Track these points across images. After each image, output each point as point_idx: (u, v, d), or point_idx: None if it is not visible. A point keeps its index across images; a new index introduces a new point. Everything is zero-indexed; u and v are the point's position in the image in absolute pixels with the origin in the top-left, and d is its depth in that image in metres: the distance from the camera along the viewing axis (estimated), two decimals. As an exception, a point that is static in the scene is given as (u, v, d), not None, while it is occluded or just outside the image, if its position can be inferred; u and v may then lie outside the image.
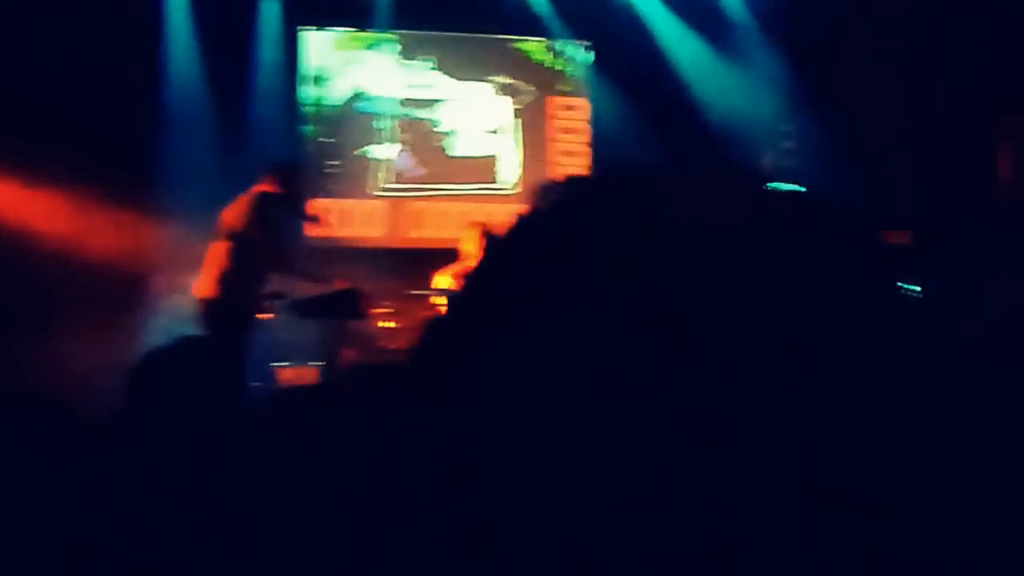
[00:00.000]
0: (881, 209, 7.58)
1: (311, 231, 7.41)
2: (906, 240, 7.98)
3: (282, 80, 7.98)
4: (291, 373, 6.45)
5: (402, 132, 8.26)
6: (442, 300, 6.23)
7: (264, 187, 5.89)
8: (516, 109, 8.46)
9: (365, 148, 8.20)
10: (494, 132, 8.44)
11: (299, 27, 8.13)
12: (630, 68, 8.39)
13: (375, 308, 6.40)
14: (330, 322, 6.06)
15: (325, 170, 8.04)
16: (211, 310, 5.63)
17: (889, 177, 7.57)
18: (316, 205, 7.81)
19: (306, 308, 5.83)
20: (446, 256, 6.77)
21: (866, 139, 7.71)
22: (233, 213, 5.77)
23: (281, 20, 8.00)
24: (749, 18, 8.36)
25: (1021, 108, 7.47)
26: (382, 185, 8.20)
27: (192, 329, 5.41)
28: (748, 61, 8.35)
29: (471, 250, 6.40)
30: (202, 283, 5.76)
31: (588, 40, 8.55)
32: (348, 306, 6.02)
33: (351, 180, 8.11)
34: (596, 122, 8.53)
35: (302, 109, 8.15)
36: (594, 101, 8.56)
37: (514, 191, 8.37)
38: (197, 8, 7.71)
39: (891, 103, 7.71)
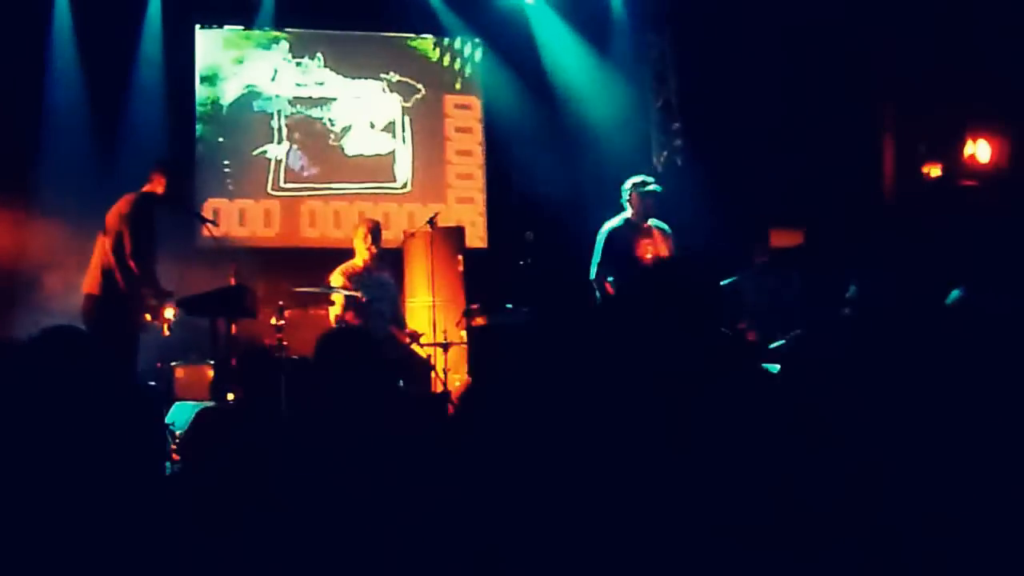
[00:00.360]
0: (772, 208, 7.87)
1: (205, 231, 7.33)
2: (799, 239, 8.30)
3: (173, 79, 7.83)
4: (183, 372, 6.36)
5: (295, 131, 8.22)
6: (338, 298, 6.25)
7: (151, 187, 5.85)
8: (407, 107, 8.47)
9: (258, 148, 8.13)
10: (387, 130, 8.44)
11: (191, 25, 7.99)
12: (522, 66, 8.48)
13: (266, 306, 6.35)
14: (220, 320, 6.00)
15: (218, 170, 7.95)
16: (95, 306, 5.63)
17: (778, 175, 7.85)
18: (209, 205, 7.81)
19: (195, 306, 5.76)
20: (340, 255, 6.80)
21: (753, 137, 7.95)
22: (114, 212, 5.72)
23: (170, 19, 7.82)
24: (633, 18, 8.52)
25: (902, 101, 7.76)
26: (277, 184, 8.13)
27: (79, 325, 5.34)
28: (632, 60, 8.51)
29: (360, 247, 6.43)
30: (87, 280, 5.77)
31: (480, 38, 8.61)
32: (237, 304, 5.99)
33: (245, 180, 8.03)
34: (489, 120, 8.61)
35: (196, 109, 8.03)
36: (486, 99, 8.63)
37: (408, 190, 8.40)
38: (81, 8, 7.53)
39: (777, 99, 7.96)
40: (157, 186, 5.90)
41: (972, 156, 7.21)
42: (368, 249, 6.45)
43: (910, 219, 7.13)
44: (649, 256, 6.32)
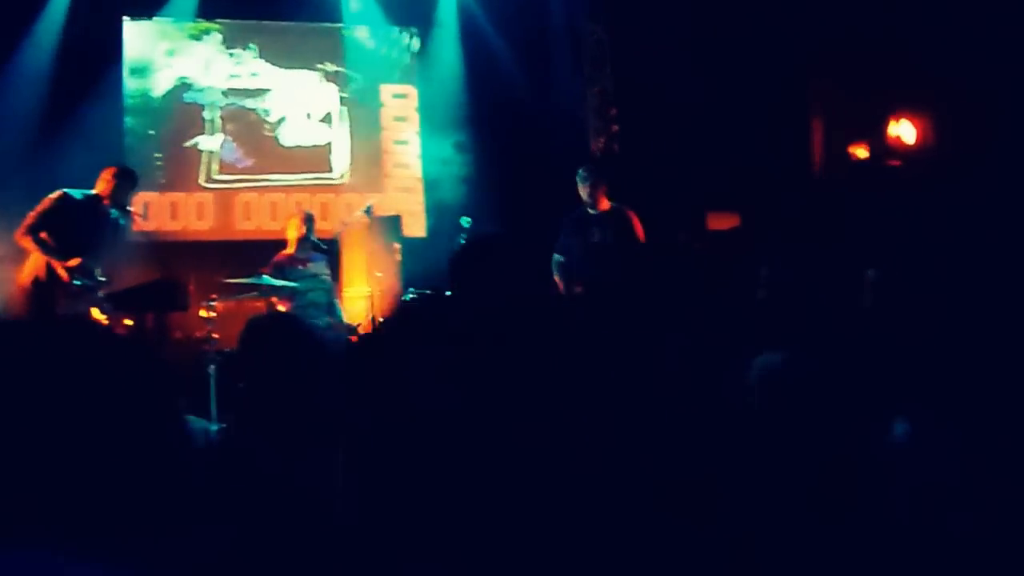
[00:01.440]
0: (708, 191, 7.89)
1: (137, 226, 7.20)
2: (736, 222, 8.33)
3: (103, 72, 7.64)
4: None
5: (229, 123, 8.05)
6: (267, 286, 6.14)
7: (98, 187, 5.79)
8: (344, 97, 8.35)
9: (191, 140, 7.96)
10: (323, 121, 8.31)
11: (119, 16, 7.82)
12: (459, 55, 8.42)
13: (200, 300, 6.22)
14: (149, 315, 5.90)
15: (149, 163, 7.75)
16: (26, 300, 5.55)
17: (714, 159, 7.85)
18: (140, 199, 7.62)
19: (122, 301, 5.64)
20: (276, 247, 6.69)
21: (688, 122, 7.95)
22: (40, 208, 5.61)
23: (97, 10, 7.60)
24: (569, 5, 8.49)
25: (829, 85, 7.80)
26: (210, 177, 7.97)
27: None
28: (568, 48, 8.48)
29: (293, 238, 6.35)
30: (19, 275, 5.71)
31: (416, 27, 8.52)
32: (166, 298, 5.90)
33: (178, 173, 7.86)
34: (427, 109, 8.51)
35: (125, 101, 7.84)
36: (424, 88, 8.54)
37: (345, 181, 8.29)
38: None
39: (710, 85, 7.96)
40: (104, 188, 5.84)
41: (897, 137, 7.28)
42: (300, 240, 6.37)
43: (838, 199, 7.18)
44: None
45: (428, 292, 6.71)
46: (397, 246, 7.22)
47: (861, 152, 7.41)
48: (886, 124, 7.43)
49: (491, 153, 8.15)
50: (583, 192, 6.20)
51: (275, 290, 6.16)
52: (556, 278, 6.16)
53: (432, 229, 8.25)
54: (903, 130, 7.36)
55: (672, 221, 7.57)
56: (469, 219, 6.84)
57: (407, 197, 8.39)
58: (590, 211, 6.21)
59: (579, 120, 8.50)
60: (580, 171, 6.26)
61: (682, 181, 7.79)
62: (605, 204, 6.20)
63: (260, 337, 3.14)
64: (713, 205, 8.20)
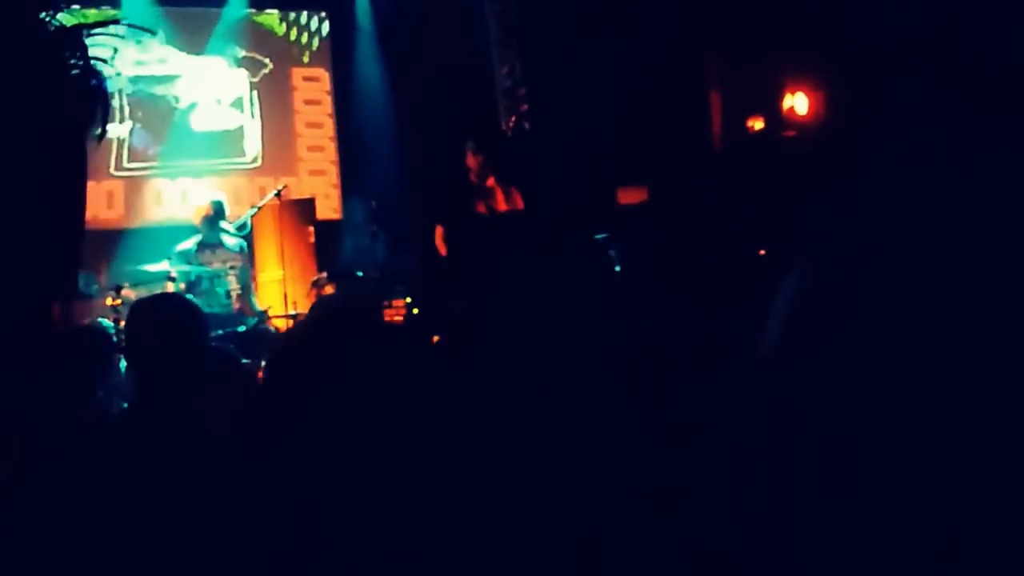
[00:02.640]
0: (617, 166, 7.97)
1: None
2: (644, 197, 8.42)
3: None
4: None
5: (137, 109, 7.91)
6: (176, 273, 6.07)
7: None
8: (254, 82, 8.25)
9: (102, 127, 7.76)
10: (234, 106, 8.20)
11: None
12: (368, 36, 8.39)
13: (107, 288, 6.13)
14: (55, 304, 5.76)
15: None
16: None
17: (620, 135, 7.93)
18: None
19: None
20: (189, 233, 6.61)
21: (595, 98, 8.00)
22: None
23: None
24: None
25: (726, 59, 7.93)
26: (120, 165, 7.83)
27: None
28: (477, 26, 8.47)
29: (201, 223, 6.28)
30: None
31: (325, 10, 8.45)
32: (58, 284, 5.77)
33: (91, 162, 7.66)
34: (339, 92, 8.47)
35: (30, 90, 7.67)
36: (335, 71, 8.49)
37: (258, 165, 8.20)
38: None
39: (615, 62, 8.03)
40: None
41: (791, 109, 7.43)
42: (209, 225, 6.29)
43: (737, 171, 7.33)
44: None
45: (342, 274, 6.75)
46: (311, 229, 7.18)
47: (758, 124, 7.56)
48: (781, 96, 7.59)
49: (404, 134, 8.12)
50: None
51: (184, 276, 6.09)
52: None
53: (347, 212, 8.22)
54: (797, 102, 7.51)
55: (584, 197, 7.63)
56: (375, 202, 6.88)
57: (321, 180, 8.35)
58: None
59: (489, 100, 8.51)
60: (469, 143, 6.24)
61: (592, 157, 7.86)
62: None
63: (142, 319, 3.12)
64: (622, 180, 8.28)
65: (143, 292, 6.37)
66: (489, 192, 6.24)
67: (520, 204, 6.22)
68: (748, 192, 6.74)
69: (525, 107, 8.46)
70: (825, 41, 6.85)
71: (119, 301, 5.69)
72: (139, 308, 3.22)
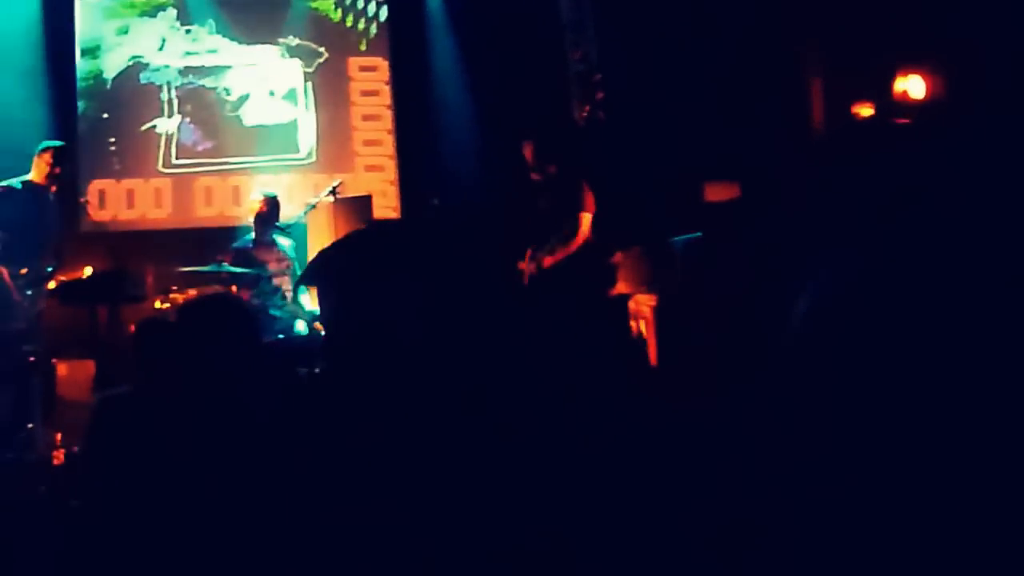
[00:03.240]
0: (704, 160, 7.95)
1: (92, 215, 7.36)
2: (735, 193, 8.36)
3: (52, 54, 7.81)
4: (66, 368, 6.33)
5: (186, 103, 8.18)
6: (228, 275, 6.26)
7: (32, 174, 5.95)
8: (309, 72, 8.46)
9: (147, 123, 8.11)
10: (287, 98, 8.43)
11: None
12: (430, 23, 8.53)
13: (157, 291, 6.37)
14: (102, 308, 5.99)
15: (104, 149, 7.90)
16: None
17: (708, 126, 7.80)
18: (95, 187, 7.80)
19: (69, 293, 5.76)
20: (240, 234, 6.84)
21: (679, 87, 7.90)
22: None
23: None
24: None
25: (828, 43, 7.84)
26: (169, 161, 8.12)
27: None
28: (546, 10, 8.47)
29: (256, 222, 6.47)
30: None
31: (383, -4, 8.60)
32: (118, 289, 6.00)
33: (134, 158, 8.00)
34: (398, 82, 8.63)
35: (77, 83, 8.00)
36: (394, 60, 8.65)
37: (312, 160, 8.41)
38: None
39: (702, 48, 7.99)
40: (39, 171, 5.97)
41: (904, 93, 7.28)
42: (263, 224, 6.50)
43: (842, 162, 7.22)
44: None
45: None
46: None
47: (865, 111, 7.43)
48: (893, 79, 7.44)
49: (468, 126, 8.23)
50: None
51: (236, 278, 6.27)
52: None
53: (407, 211, 8.37)
54: (911, 85, 7.36)
55: (667, 193, 7.62)
56: (438, 199, 6.95)
57: (378, 176, 8.51)
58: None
59: (562, 87, 8.56)
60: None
61: (675, 151, 7.79)
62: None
63: (194, 319, 3.25)
64: (710, 175, 8.24)
65: (193, 294, 6.65)
66: (549, 187, 6.21)
67: (588, 201, 6.18)
68: (854, 186, 6.68)
69: (600, 95, 8.46)
70: (947, 14, 6.71)
71: (168, 304, 5.88)
72: (189, 309, 3.36)
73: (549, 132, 6.32)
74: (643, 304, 5.93)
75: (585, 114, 8.51)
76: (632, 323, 5.83)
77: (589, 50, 8.46)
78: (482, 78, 8.37)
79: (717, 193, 8.26)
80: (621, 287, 6.04)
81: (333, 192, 6.87)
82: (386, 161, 8.58)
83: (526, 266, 5.84)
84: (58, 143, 6.34)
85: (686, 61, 7.90)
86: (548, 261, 5.78)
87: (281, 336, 5.97)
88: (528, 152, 6.03)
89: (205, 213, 8.10)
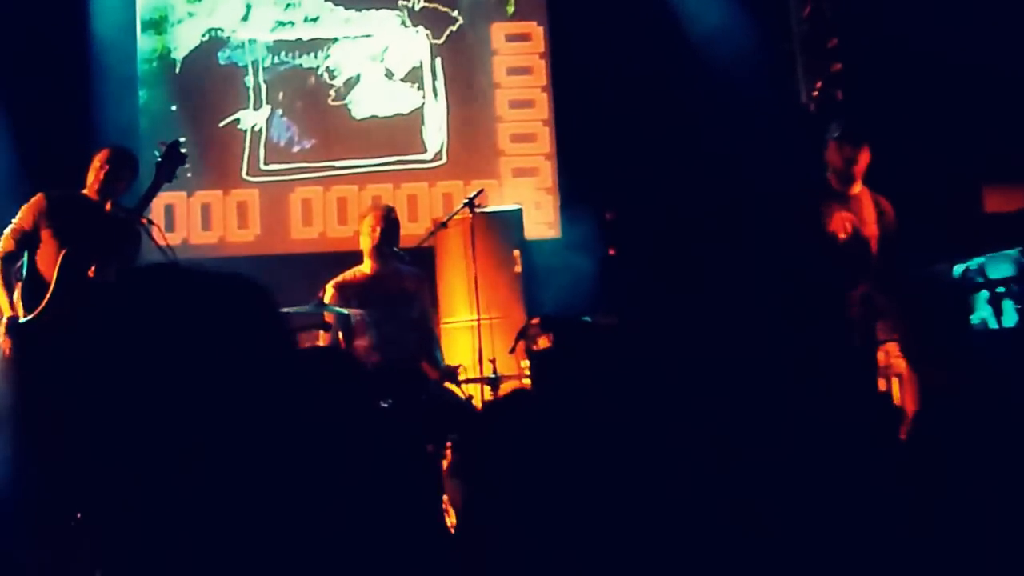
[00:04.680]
0: (982, 158, 7.86)
1: (156, 239, 7.64)
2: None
3: (105, 29, 8.38)
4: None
5: (279, 90, 8.61)
6: (330, 317, 6.41)
7: (91, 177, 6.11)
8: (438, 45, 8.77)
9: (227, 116, 8.56)
10: (410, 80, 8.75)
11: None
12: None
13: None
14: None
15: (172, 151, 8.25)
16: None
17: (989, 112, 7.88)
18: (160, 202, 8.08)
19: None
20: (347, 260, 6.85)
21: (947, 59, 7.87)
22: (17, 224, 6.04)
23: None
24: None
25: None
26: (256, 167, 8.55)
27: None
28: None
29: (367, 245, 6.54)
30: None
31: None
32: None
33: (211, 163, 8.44)
34: (558, 56, 8.83)
35: (138, 67, 8.56)
36: (553, 25, 8.85)
37: (442, 163, 8.67)
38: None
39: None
40: (94, 179, 6.11)
41: None
42: (378, 249, 6.56)
43: None
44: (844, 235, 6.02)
45: (562, 320, 6.93)
46: (517, 253, 7.54)
47: None
48: None
49: (651, 117, 8.31)
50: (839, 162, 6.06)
51: (343, 322, 6.42)
52: None
53: (570, 228, 8.45)
54: None
55: (929, 199, 7.54)
56: (615, 212, 7.06)
57: (531, 183, 8.70)
58: (843, 190, 6.05)
59: (782, 58, 8.61)
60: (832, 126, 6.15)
61: (943, 145, 7.84)
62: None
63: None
64: (991, 177, 8.14)
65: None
66: (853, 202, 6.08)
67: (891, 219, 6.03)
68: None
69: (838, 66, 8.43)
70: None
71: None
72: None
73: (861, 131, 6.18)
74: (897, 357, 5.99)
75: (816, 93, 8.50)
76: (881, 382, 5.86)
77: (821, 5, 8.47)
78: (676, 48, 8.48)
79: (1001, 201, 8.17)
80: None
81: (471, 205, 6.92)
82: (541, 163, 8.77)
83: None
84: (120, 147, 6.61)
85: (956, 23, 7.86)
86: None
87: (409, 399, 6.04)
88: (839, 155, 5.94)
89: (302, 234, 8.49)
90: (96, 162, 6.14)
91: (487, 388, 6.73)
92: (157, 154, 6.22)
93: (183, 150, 6.19)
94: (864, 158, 6.00)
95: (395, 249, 6.61)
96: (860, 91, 8.18)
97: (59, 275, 5.96)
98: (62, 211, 6.09)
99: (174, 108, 8.56)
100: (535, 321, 6.75)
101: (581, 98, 8.69)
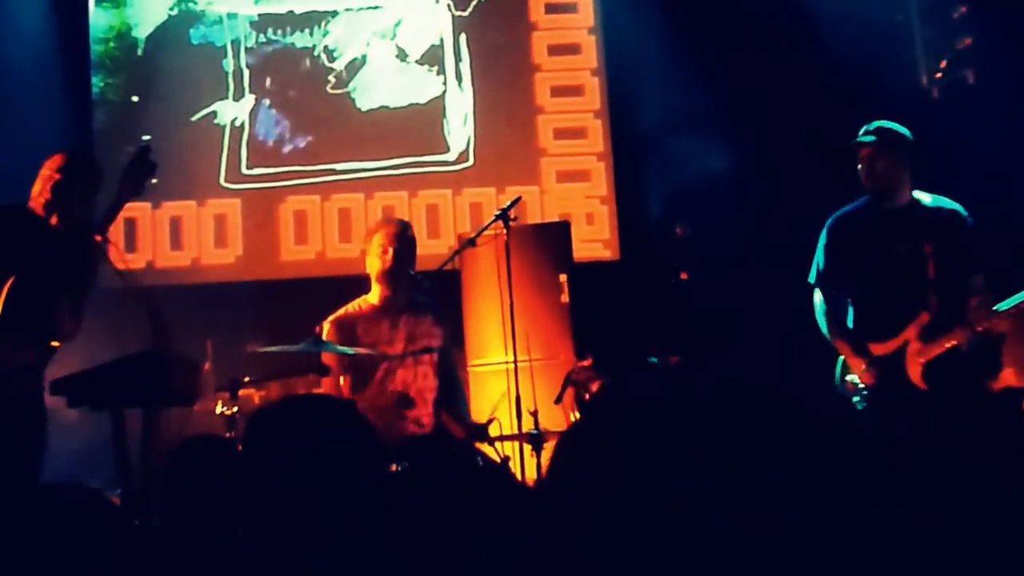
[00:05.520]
0: None
1: (114, 261, 7.60)
2: None
3: (54, 6, 8.45)
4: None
5: (265, 75, 8.61)
6: (330, 359, 6.36)
7: (38, 187, 6.09)
8: (462, 18, 8.79)
9: (203, 109, 8.57)
10: (427, 62, 8.75)
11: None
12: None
13: (216, 383, 6.58)
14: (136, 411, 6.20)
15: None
16: None
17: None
18: (121, 216, 8.10)
19: (83, 391, 5.96)
20: (351, 288, 6.90)
21: None
22: None
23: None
24: None
25: None
26: (238, 171, 8.54)
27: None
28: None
29: (375, 267, 6.49)
30: None
31: None
32: (163, 383, 6.19)
33: (181, 167, 8.37)
34: (611, 32, 8.84)
35: (91, 48, 8.56)
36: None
37: (469, 165, 8.67)
38: None
39: None
40: (41, 190, 6.07)
41: None
42: (388, 273, 6.52)
43: None
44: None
45: (620, 359, 6.89)
46: (564, 278, 7.47)
47: None
48: None
49: (732, 105, 8.30)
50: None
51: (346, 364, 6.37)
52: (838, 343, 6.08)
53: (629, 247, 8.51)
54: None
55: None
56: (688, 226, 7.00)
57: (581, 191, 8.69)
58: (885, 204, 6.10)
59: (898, 32, 8.57)
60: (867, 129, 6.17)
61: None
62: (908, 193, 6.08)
63: (276, 437, 3.37)
64: None
65: (278, 393, 6.82)
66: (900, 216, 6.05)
67: (966, 228, 6.04)
68: None
69: (967, 41, 8.41)
70: None
71: (235, 408, 6.02)
72: (265, 421, 3.50)
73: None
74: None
75: (939, 75, 8.46)
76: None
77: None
78: (761, 22, 8.45)
79: None
80: (1009, 376, 5.97)
81: (505, 217, 6.78)
82: (593, 164, 8.77)
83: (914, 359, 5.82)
84: (77, 152, 6.57)
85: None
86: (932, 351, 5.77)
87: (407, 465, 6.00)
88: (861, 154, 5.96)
89: (295, 255, 8.47)
90: (45, 170, 6.02)
91: (527, 447, 6.56)
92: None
93: (152, 156, 6.06)
94: (873, 155, 5.97)
95: (411, 273, 6.51)
96: (994, 72, 8.22)
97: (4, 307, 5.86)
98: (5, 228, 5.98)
99: (135, 99, 8.57)
100: (587, 363, 6.76)
101: (642, 82, 8.67)
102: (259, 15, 8.68)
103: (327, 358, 6.31)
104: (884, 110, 6.56)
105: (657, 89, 8.57)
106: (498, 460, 6.36)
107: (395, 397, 6.34)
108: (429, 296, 6.64)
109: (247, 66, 8.64)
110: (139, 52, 8.62)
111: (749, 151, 8.10)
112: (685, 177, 8.16)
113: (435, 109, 8.76)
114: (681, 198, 8.07)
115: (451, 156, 8.72)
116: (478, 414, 6.81)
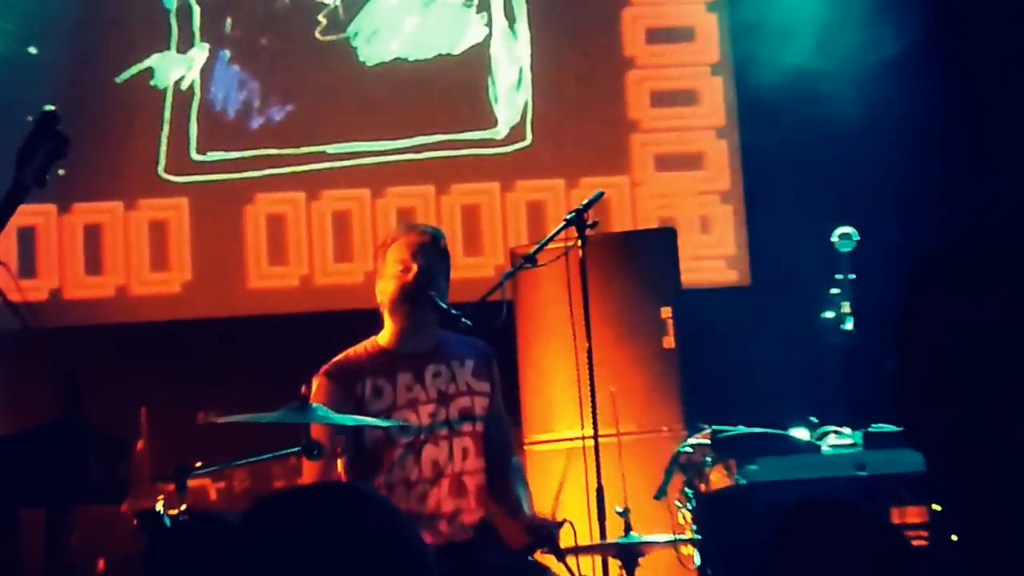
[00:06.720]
0: None
1: (6, 291, 7.61)
2: None
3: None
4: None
5: (224, 16, 8.55)
6: (321, 433, 6.23)
7: None
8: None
9: (133, 65, 8.50)
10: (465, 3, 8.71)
11: None
12: None
13: (155, 469, 6.49)
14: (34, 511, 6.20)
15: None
16: None
17: None
18: (13, 223, 8.08)
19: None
20: (351, 328, 6.82)
21: None
22: None
23: None
24: None
25: None
26: (184, 158, 8.46)
27: None
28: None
29: (393, 294, 6.40)
30: None
31: None
32: (72, 471, 6.13)
33: (101, 151, 8.34)
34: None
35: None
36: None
37: (525, 145, 8.59)
38: None
39: None
40: None
41: None
42: (408, 301, 6.40)
43: None
44: None
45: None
46: (668, 312, 7.39)
47: None
48: None
49: (924, 81, 8.36)
50: None
51: (346, 439, 6.24)
52: None
53: (763, 265, 8.44)
54: None
55: None
56: (854, 234, 6.84)
57: (687, 183, 8.67)
58: None
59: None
60: None
61: None
62: None
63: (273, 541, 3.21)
64: None
65: (246, 484, 6.61)
66: None
67: None
68: None
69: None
70: None
71: (182, 507, 5.92)
72: (260, 526, 3.30)
73: None
74: None
75: None
76: None
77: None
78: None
79: None
80: None
81: (580, 222, 6.74)
82: (711, 144, 8.70)
83: None
84: None
85: None
86: None
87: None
88: None
89: (268, 281, 8.40)
90: None
91: (613, 564, 6.52)
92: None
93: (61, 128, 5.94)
94: None
95: (442, 305, 6.41)
96: None
97: None
98: None
99: (33, 51, 8.51)
100: (703, 437, 6.86)
101: (783, 22, 8.52)
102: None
103: (317, 431, 6.13)
104: None
105: (810, 24, 8.51)
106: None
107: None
108: (471, 339, 6.54)
109: (198, 2, 8.57)
110: (45, -11, 8.54)
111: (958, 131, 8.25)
112: (850, 164, 8.35)
113: (475, 64, 8.75)
114: (846, 195, 8.16)
115: (499, 133, 8.70)
116: (541, 507, 6.48)
